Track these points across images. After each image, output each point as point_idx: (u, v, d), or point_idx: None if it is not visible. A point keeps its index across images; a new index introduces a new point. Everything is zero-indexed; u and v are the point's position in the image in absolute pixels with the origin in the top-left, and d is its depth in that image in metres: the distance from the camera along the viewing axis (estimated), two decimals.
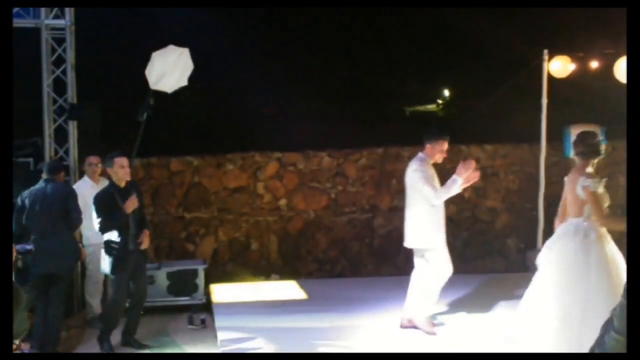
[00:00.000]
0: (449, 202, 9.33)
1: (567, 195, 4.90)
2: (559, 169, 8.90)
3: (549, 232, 7.62)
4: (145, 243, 5.92)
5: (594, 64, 7.67)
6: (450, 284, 6.82)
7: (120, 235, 5.77)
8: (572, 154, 5.09)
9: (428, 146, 5.71)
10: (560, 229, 4.90)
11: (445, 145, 5.69)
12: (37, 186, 5.96)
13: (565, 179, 4.98)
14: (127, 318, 6.05)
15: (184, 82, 6.72)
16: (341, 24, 12.10)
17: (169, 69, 6.57)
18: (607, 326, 2.21)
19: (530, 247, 7.96)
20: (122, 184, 5.84)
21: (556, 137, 8.35)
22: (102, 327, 6.00)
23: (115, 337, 6.03)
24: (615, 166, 9.09)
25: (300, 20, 11.75)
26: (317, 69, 12.06)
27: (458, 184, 5.53)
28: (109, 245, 5.79)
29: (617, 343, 2.16)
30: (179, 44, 6.65)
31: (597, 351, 2.23)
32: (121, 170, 5.82)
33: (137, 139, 6.40)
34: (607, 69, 7.42)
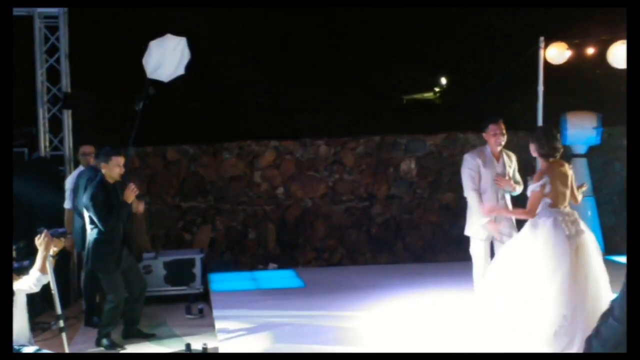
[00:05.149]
0: (446, 190, 9.29)
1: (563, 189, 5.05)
2: None
3: None
4: (140, 207, 6.12)
5: (590, 51, 7.65)
6: (448, 271, 6.80)
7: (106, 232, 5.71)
8: (536, 153, 5.15)
9: (484, 135, 5.88)
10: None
11: (495, 129, 5.75)
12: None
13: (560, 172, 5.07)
14: (129, 311, 5.93)
15: (181, 72, 6.65)
16: (337, 12, 12.05)
17: (167, 58, 6.49)
18: (606, 316, 2.20)
19: None
20: (112, 181, 5.80)
21: (553, 124, 8.32)
22: (100, 330, 5.83)
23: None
24: (612, 153, 9.09)
25: (295, 9, 11.69)
26: (313, 57, 12.02)
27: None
28: (96, 243, 5.72)
29: (614, 331, 2.15)
30: (174, 32, 6.59)
31: (593, 342, 2.20)
32: (117, 169, 5.78)
33: (133, 128, 6.34)
34: (603, 55, 7.41)
